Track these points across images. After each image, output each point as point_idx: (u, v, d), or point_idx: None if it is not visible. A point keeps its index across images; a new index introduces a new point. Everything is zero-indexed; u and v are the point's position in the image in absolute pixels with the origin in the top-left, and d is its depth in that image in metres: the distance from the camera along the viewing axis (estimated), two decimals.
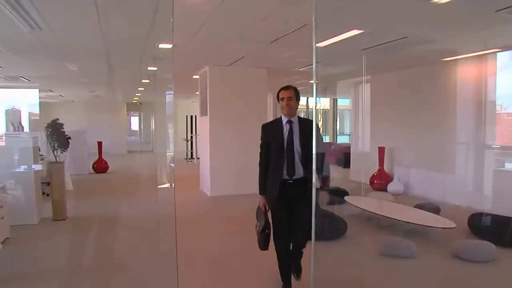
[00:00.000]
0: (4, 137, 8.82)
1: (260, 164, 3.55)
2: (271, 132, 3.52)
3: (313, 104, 2.34)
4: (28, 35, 5.07)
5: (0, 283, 3.90)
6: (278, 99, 3.49)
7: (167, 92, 8.15)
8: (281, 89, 3.48)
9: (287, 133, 3.41)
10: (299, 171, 3.36)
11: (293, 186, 3.36)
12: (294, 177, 3.37)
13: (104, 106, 17.07)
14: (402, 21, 4.87)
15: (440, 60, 7.18)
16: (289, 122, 3.43)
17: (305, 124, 3.45)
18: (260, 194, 3.55)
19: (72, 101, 16.76)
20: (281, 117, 3.49)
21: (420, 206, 6.16)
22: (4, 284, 3.92)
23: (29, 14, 4.24)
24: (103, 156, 11.95)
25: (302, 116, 3.44)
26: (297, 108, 3.49)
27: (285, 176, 3.37)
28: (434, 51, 6.57)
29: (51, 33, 5.08)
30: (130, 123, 23.97)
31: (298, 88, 3.47)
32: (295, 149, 3.36)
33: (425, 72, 7.92)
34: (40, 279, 4.06)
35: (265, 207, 3.49)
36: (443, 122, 7.53)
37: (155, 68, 7.80)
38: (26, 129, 9.76)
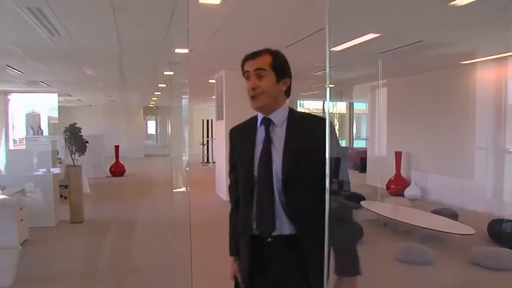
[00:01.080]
0: (24, 141, 9.05)
1: (230, 201, 1.93)
2: (238, 143, 1.88)
3: (327, 109, 2.08)
4: (47, 41, 5.18)
5: (19, 283, 3.96)
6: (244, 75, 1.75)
7: (183, 96, 8.23)
8: (245, 57, 1.75)
9: (261, 145, 1.69)
10: (283, 224, 1.64)
11: (273, 252, 1.68)
12: (274, 234, 1.65)
13: (121, 111, 17.29)
14: (419, 24, 4.81)
15: (458, 63, 7.07)
16: (266, 122, 1.71)
17: (305, 126, 1.69)
18: (230, 255, 1.92)
19: (90, 105, 17.03)
20: (257, 115, 1.77)
21: (437, 212, 6.06)
22: (23, 285, 3.98)
23: (49, 20, 4.33)
24: (120, 160, 12.10)
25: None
26: (285, 93, 1.72)
27: (255, 232, 1.69)
28: (452, 54, 6.47)
29: (69, 39, 5.18)
30: (147, 127, 24.23)
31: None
32: (274, 178, 1.63)
33: (443, 76, 7.81)
34: (57, 281, 4.13)
35: (236, 278, 1.87)
36: (461, 126, 7.40)
37: (171, 73, 7.87)
38: (46, 132, 9.99)
